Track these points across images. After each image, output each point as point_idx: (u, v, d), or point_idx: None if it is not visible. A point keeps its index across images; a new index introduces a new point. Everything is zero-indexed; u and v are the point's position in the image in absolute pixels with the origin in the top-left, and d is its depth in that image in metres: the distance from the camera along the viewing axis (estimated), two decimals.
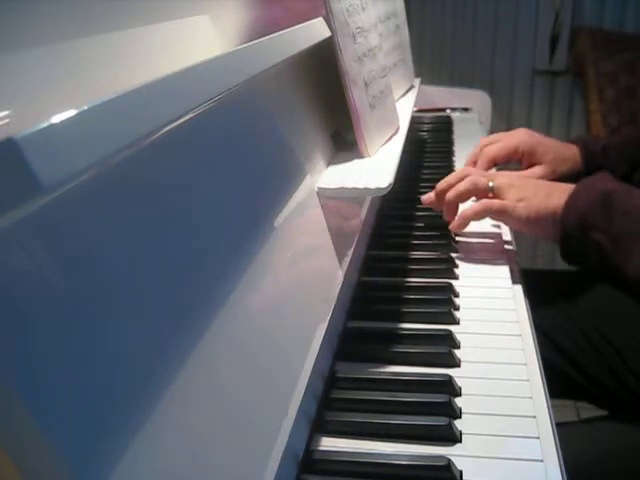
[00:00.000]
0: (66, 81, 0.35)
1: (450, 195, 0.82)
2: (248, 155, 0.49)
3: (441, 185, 0.84)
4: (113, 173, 0.30)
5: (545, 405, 0.54)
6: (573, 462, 0.51)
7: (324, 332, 0.52)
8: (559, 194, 0.76)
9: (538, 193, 0.77)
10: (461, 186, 0.81)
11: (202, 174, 0.41)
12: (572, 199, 0.74)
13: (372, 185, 0.62)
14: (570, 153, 0.97)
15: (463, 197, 0.82)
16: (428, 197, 0.87)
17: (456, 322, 0.67)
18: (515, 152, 0.98)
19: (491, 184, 0.80)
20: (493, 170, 0.99)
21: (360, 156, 0.71)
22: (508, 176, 0.83)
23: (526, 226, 0.77)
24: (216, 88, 0.40)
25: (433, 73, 2.08)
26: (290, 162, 0.57)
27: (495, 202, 0.79)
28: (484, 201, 0.80)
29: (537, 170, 0.95)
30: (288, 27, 0.61)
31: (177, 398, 0.31)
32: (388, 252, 0.84)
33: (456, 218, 0.82)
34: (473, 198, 0.83)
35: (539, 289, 0.79)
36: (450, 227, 0.83)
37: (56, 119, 0.24)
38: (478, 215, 0.80)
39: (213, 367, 0.36)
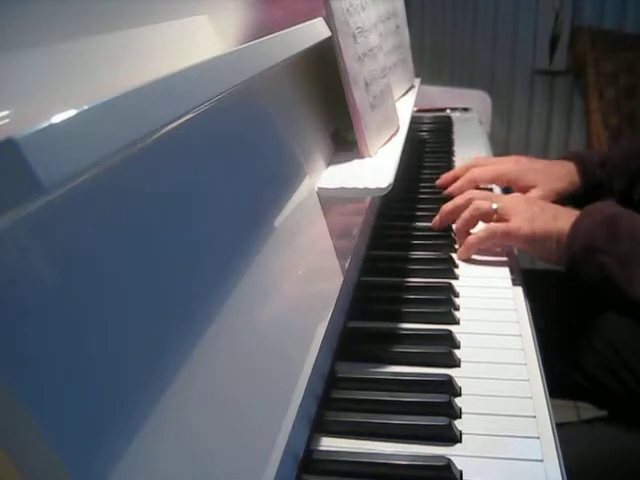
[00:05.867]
0: (66, 81, 0.35)
1: (458, 225, 0.83)
2: (248, 155, 0.49)
3: (447, 207, 0.86)
4: (113, 173, 0.30)
5: (545, 405, 0.54)
6: (573, 462, 0.51)
7: (324, 332, 0.52)
8: (565, 217, 0.76)
9: (544, 214, 0.77)
10: (466, 214, 0.82)
11: (202, 174, 0.41)
12: (578, 222, 0.74)
13: (372, 185, 0.62)
14: (565, 170, 0.97)
15: (470, 224, 0.83)
16: (435, 221, 0.87)
17: (456, 322, 0.67)
18: (500, 179, 0.98)
19: (495, 206, 0.80)
20: (497, 191, 0.99)
21: (360, 156, 0.71)
22: (513, 197, 0.83)
23: (531, 246, 0.77)
24: (216, 88, 0.40)
25: (433, 73, 2.08)
26: (290, 162, 0.57)
27: (499, 227, 0.79)
28: (487, 227, 0.80)
29: (533, 193, 0.94)
30: (288, 27, 0.61)
31: (177, 398, 0.31)
32: (388, 252, 0.84)
33: (462, 247, 0.82)
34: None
35: (539, 289, 0.79)
36: (457, 255, 0.82)
37: (56, 119, 0.24)
38: (482, 242, 0.80)
39: (213, 367, 0.36)
